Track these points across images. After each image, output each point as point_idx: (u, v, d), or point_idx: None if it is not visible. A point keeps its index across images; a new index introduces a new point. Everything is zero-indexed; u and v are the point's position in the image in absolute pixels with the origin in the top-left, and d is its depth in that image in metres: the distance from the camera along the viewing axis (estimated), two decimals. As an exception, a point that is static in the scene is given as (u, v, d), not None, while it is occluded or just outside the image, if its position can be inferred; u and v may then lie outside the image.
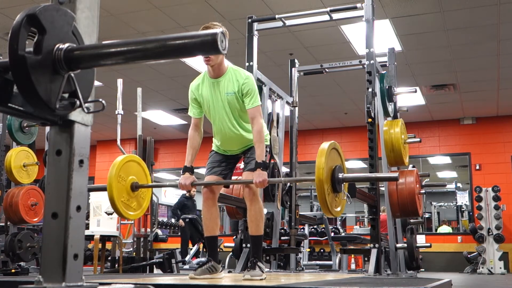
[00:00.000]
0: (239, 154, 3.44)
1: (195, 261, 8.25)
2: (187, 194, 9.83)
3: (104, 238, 5.47)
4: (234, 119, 3.30)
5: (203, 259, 7.40)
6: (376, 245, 4.33)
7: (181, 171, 3.35)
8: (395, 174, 2.96)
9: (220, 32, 1.16)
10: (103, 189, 3.33)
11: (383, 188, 4.95)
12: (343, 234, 9.63)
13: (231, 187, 4.86)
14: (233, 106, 3.27)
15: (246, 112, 3.28)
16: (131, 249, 6.34)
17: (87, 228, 5.46)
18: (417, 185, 4.85)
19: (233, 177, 3.64)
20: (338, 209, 2.82)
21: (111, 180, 3.16)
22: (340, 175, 2.75)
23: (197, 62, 7.81)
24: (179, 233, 12.71)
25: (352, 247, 7.91)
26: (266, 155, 3.32)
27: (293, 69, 6.01)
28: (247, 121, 3.32)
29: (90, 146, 1.36)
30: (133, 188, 3.31)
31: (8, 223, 6.07)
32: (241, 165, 3.53)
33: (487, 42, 7.24)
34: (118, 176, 3.20)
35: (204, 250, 8.53)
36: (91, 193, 5.38)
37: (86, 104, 1.31)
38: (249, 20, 5.09)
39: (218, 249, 3.52)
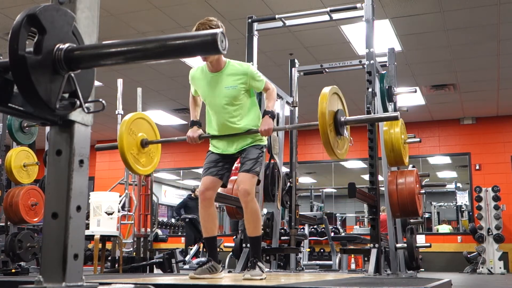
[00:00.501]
0: (236, 154, 3.43)
1: (195, 261, 8.26)
2: (192, 195, 9.87)
3: (104, 238, 5.46)
4: (232, 112, 3.31)
5: (203, 259, 7.41)
6: (376, 245, 4.33)
7: (189, 125, 3.43)
8: (395, 114, 3.06)
9: (220, 32, 1.16)
10: (114, 147, 3.36)
11: (383, 188, 4.95)
12: (343, 234, 9.64)
13: (230, 187, 4.85)
14: (232, 99, 3.29)
15: (244, 106, 3.32)
16: (131, 249, 6.34)
17: (87, 228, 5.45)
18: (417, 185, 4.85)
19: (232, 178, 3.65)
20: (342, 150, 2.94)
21: (122, 133, 3.21)
22: (342, 118, 2.87)
23: (197, 62, 7.81)
24: (179, 233, 12.78)
25: (352, 247, 7.92)
26: (261, 155, 3.34)
27: (293, 69, 6.02)
28: (244, 113, 3.34)
29: (90, 146, 1.36)
30: (143, 144, 3.36)
31: (8, 223, 6.07)
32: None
33: (487, 42, 7.24)
34: (129, 129, 3.24)
35: (204, 250, 8.53)
36: (91, 193, 5.39)
37: (86, 104, 1.32)
38: (249, 20, 5.09)
39: (218, 249, 3.52)
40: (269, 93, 3.41)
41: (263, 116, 3.30)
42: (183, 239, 11.72)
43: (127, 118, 3.30)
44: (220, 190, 3.66)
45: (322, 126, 2.73)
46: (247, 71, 3.30)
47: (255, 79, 3.33)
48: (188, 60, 7.82)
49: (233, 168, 3.53)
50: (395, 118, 3.06)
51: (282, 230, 6.71)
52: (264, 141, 3.44)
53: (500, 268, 9.17)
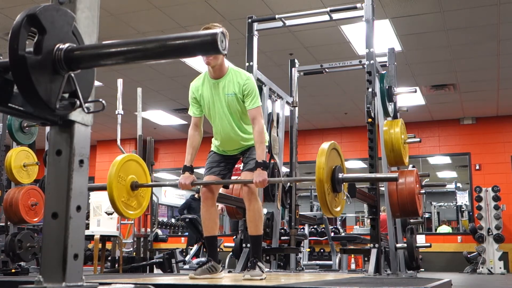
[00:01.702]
0: (238, 155, 3.45)
1: (195, 261, 8.25)
2: (195, 196, 9.89)
3: (104, 238, 5.47)
4: (233, 120, 3.31)
5: (203, 259, 7.40)
6: (376, 245, 4.33)
7: (181, 170, 3.35)
8: (395, 175, 2.97)
9: (220, 32, 1.16)
10: (103, 188, 3.33)
11: (383, 188, 4.95)
12: (343, 234, 9.63)
13: (231, 187, 4.86)
14: (233, 107, 3.27)
15: (246, 113, 3.29)
16: (131, 249, 6.34)
17: (87, 228, 5.46)
18: (417, 185, 4.85)
19: (233, 177, 3.65)
20: (338, 209, 2.83)
21: (111, 180, 3.16)
22: (340, 175, 2.76)
23: (197, 62, 7.81)
24: (179, 233, 12.78)
25: (352, 247, 7.91)
26: (266, 155, 3.33)
27: (293, 69, 6.01)
28: (246, 122, 3.33)
29: (90, 146, 1.36)
30: (133, 187, 3.32)
31: (8, 223, 6.07)
32: (241, 166, 3.54)
33: (487, 42, 7.24)
34: (118, 176, 3.20)
35: (204, 250, 8.53)
36: (91, 193, 5.38)
37: (86, 104, 1.32)
38: (249, 20, 5.09)
39: (218, 249, 3.52)
40: (256, 131, 3.21)
41: (255, 169, 3.17)
42: (183, 239, 11.73)
43: (116, 162, 3.24)
44: (220, 190, 3.66)
45: (319, 184, 2.64)
46: (244, 81, 3.25)
47: (249, 95, 3.23)
48: (188, 60, 7.82)
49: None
50: (395, 179, 2.99)
51: (282, 230, 6.71)
52: (267, 141, 3.44)
53: (500, 268, 9.17)
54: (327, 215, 2.79)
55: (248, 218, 3.36)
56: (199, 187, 3.57)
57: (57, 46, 1.23)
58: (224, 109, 3.28)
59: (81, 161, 1.31)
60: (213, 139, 3.49)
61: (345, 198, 2.86)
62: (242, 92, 3.23)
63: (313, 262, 8.30)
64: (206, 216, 3.36)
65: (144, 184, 3.38)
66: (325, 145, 2.75)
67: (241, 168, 3.47)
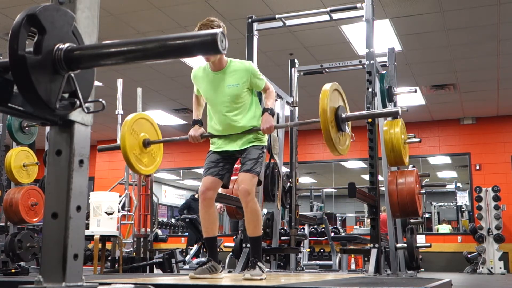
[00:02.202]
0: (236, 155, 3.44)
1: (195, 261, 8.26)
2: (196, 196, 9.91)
3: (104, 238, 5.46)
4: (235, 110, 3.32)
5: (203, 259, 7.41)
6: (376, 245, 4.33)
7: (191, 124, 3.46)
8: (396, 109, 3.10)
9: (220, 32, 1.16)
10: (116, 147, 3.36)
11: (383, 188, 4.95)
12: (343, 234, 9.63)
13: (230, 187, 4.85)
14: (234, 97, 3.30)
15: (246, 103, 3.34)
16: (131, 249, 6.33)
17: (87, 228, 5.45)
18: (417, 185, 4.85)
19: (232, 178, 3.64)
20: (344, 146, 2.96)
21: (124, 133, 3.22)
22: (344, 114, 2.88)
23: (197, 62, 7.80)
24: (179, 233, 12.78)
25: (352, 247, 7.91)
26: (261, 155, 3.34)
27: (293, 69, 6.02)
28: (246, 112, 3.35)
29: (90, 146, 1.36)
30: (145, 144, 3.36)
31: (8, 223, 6.07)
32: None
33: (487, 42, 7.24)
34: (131, 129, 3.25)
35: (204, 250, 8.54)
36: (91, 193, 5.38)
37: (86, 104, 1.32)
38: (249, 20, 5.09)
39: (218, 249, 3.52)
40: (268, 93, 3.44)
41: (262, 114, 3.32)
42: (183, 239, 11.73)
43: (129, 118, 3.31)
44: (220, 190, 3.66)
45: (323, 122, 2.74)
46: (248, 68, 3.33)
47: (256, 77, 3.35)
48: (188, 60, 7.82)
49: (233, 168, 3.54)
50: (396, 113, 3.07)
51: (282, 230, 6.71)
52: (265, 141, 3.45)
53: (500, 268, 9.17)
54: (334, 153, 2.88)
55: (246, 220, 3.36)
56: (199, 187, 3.57)
57: (57, 46, 1.23)
58: (224, 100, 3.31)
59: (81, 161, 1.31)
60: (209, 127, 3.48)
61: (348, 131, 2.98)
62: (250, 78, 3.32)
63: (313, 262, 8.31)
64: (205, 217, 3.35)
65: (155, 141, 3.42)
66: (327, 86, 2.85)
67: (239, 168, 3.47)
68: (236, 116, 3.32)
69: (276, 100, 5.50)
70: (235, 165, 3.53)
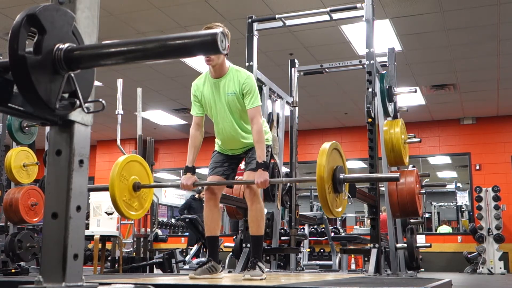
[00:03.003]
0: (241, 154, 3.44)
1: (195, 261, 8.25)
2: (196, 196, 9.91)
3: (104, 238, 5.47)
4: (235, 119, 3.31)
5: (203, 259, 7.40)
6: (376, 245, 4.33)
7: (183, 171, 3.35)
8: (396, 175, 2.97)
9: (220, 32, 1.16)
10: (105, 189, 3.32)
11: (383, 188, 4.95)
12: (343, 234, 9.62)
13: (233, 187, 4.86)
14: (234, 106, 3.27)
15: (246, 112, 3.28)
16: (131, 249, 6.34)
17: (87, 228, 5.46)
18: (417, 185, 4.85)
19: (236, 177, 3.64)
20: (339, 209, 2.84)
21: (113, 179, 3.15)
22: (341, 176, 2.76)
23: (197, 62, 7.81)
24: (179, 233, 12.78)
25: (352, 247, 7.91)
26: (267, 155, 3.32)
27: (293, 69, 6.01)
28: (247, 121, 3.32)
29: (90, 146, 1.36)
30: (135, 188, 3.30)
31: (8, 223, 6.06)
32: (242, 165, 3.53)
33: (487, 42, 7.24)
34: (121, 175, 3.19)
35: (204, 250, 8.54)
36: (91, 193, 5.38)
37: (86, 104, 1.31)
38: (249, 20, 5.09)
39: (218, 249, 3.52)
40: (255, 131, 3.19)
41: (256, 169, 3.16)
42: (183, 239, 11.73)
43: (119, 162, 3.23)
44: (224, 190, 3.66)
45: (320, 184, 2.63)
46: (244, 80, 3.24)
47: (249, 93, 3.21)
48: (188, 60, 7.82)
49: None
50: (396, 179, 2.99)
51: (282, 230, 6.71)
52: (270, 141, 3.44)
53: (500, 268, 9.17)
54: (328, 215, 2.79)
55: (250, 218, 3.36)
56: (200, 187, 3.57)
57: (57, 46, 1.23)
58: (225, 108, 3.28)
59: (81, 161, 1.31)
60: (216, 139, 3.49)
61: (346, 198, 2.86)
62: (241, 91, 3.22)
63: (313, 262, 8.30)
64: (208, 216, 3.36)
65: (146, 185, 3.37)
66: (326, 145, 2.74)
67: (243, 168, 3.47)
68: (237, 124, 3.30)
69: (276, 100, 5.53)
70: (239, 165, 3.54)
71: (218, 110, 3.30)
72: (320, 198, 2.67)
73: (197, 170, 3.39)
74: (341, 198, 2.85)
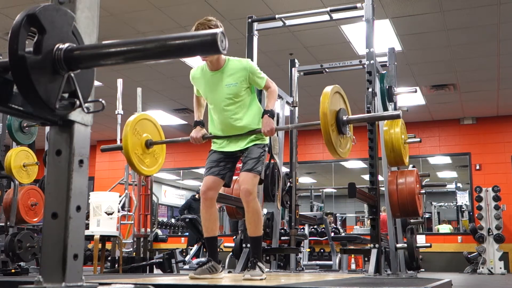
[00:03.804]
0: (238, 153, 3.43)
1: (195, 261, 8.26)
2: (196, 196, 9.92)
3: (104, 238, 5.46)
4: (234, 109, 3.31)
5: (203, 259, 7.40)
6: (376, 245, 4.33)
7: (192, 125, 3.44)
8: (398, 112, 3.05)
9: (220, 32, 1.16)
10: (119, 148, 3.35)
11: (383, 188, 4.95)
12: (343, 234, 9.63)
13: (231, 186, 4.85)
14: (233, 96, 3.29)
15: (245, 102, 3.32)
16: (131, 249, 6.33)
17: (87, 228, 5.45)
18: (417, 185, 4.85)
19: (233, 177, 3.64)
20: (344, 150, 2.94)
21: (127, 133, 3.21)
22: (345, 117, 2.87)
23: (197, 62, 7.80)
24: (179, 233, 12.79)
25: (352, 247, 7.91)
26: (266, 155, 3.33)
27: (293, 69, 6.01)
28: (246, 111, 3.33)
29: (90, 146, 1.36)
30: (147, 144, 3.36)
31: (8, 223, 6.06)
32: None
33: (487, 42, 7.24)
34: (134, 129, 3.24)
35: (204, 250, 8.54)
36: (91, 193, 5.38)
37: (86, 104, 1.31)
38: (249, 20, 5.09)
39: (218, 249, 3.52)
40: (270, 92, 3.39)
41: (262, 116, 3.28)
42: (183, 239, 11.73)
43: (132, 118, 3.30)
44: (221, 190, 3.65)
45: (324, 125, 2.72)
46: (246, 66, 3.30)
47: (256, 75, 3.32)
48: (188, 60, 7.82)
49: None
50: (397, 117, 3.05)
51: (282, 230, 6.71)
52: (266, 140, 3.44)
53: (501, 268, 9.17)
54: (333, 155, 2.86)
55: (247, 220, 3.35)
56: (200, 187, 3.57)
57: (57, 46, 1.23)
58: (223, 100, 3.30)
59: (81, 161, 1.31)
60: (210, 128, 3.47)
61: (349, 135, 2.96)
62: (249, 76, 3.28)
63: (313, 262, 8.30)
64: (206, 216, 3.35)
65: (158, 142, 3.42)
66: (328, 88, 2.85)
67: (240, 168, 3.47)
68: (236, 115, 3.31)
69: (276, 99, 5.53)
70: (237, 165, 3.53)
71: (217, 100, 3.32)
72: (325, 139, 2.75)
73: (195, 171, 3.40)
74: (345, 139, 2.95)
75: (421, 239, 9.83)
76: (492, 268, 9.19)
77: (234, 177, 3.73)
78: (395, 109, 5.33)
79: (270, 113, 3.26)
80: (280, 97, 5.57)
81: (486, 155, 10.69)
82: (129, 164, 3.28)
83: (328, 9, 4.92)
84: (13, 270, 5.61)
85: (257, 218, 3.32)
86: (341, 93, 2.95)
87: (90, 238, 5.26)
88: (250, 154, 3.30)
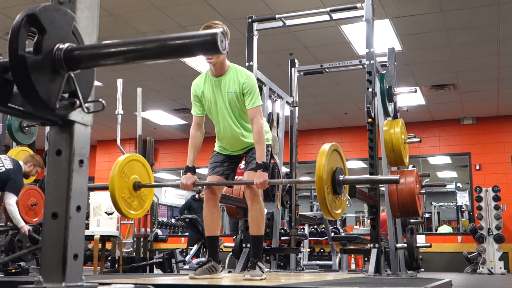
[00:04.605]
0: (241, 154, 3.44)
1: (195, 261, 8.25)
2: (196, 196, 9.93)
3: (104, 238, 5.46)
4: (235, 119, 3.30)
5: (203, 259, 7.40)
6: (376, 245, 4.33)
7: (183, 171, 3.35)
8: (396, 177, 2.97)
9: (220, 32, 1.16)
10: (105, 188, 3.31)
11: (383, 188, 4.95)
12: (343, 234, 9.62)
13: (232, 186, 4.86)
14: (234, 105, 3.26)
15: (247, 112, 3.27)
16: (131, 249, 6.34)
17: (87, 228, 5.45)
18: (417, 185, 4.85)
19: (236, 177, 3.64)
20: (339, 211, 2.83)
21: (114, 176, 3.13)
22: (341, 177, 2.76)
23: (197, 62, 7.81)
24: (179, 233, 12.79)
25: (352, 247, 7.91)
26: (267, 155, 3.32)
27: (293, 69, 6.01)
28: (248, 120, 3.31)
29: (90, 146, 1.36)
30: (135, 187, 3.30)
31: (8, 223, 6.06)
32: (242, 165, 3.53)
33: (487, 42, 7.24)
34: (121, 172, 3.18)
35: (204, 250, 8.54)
36: (91, 193, 5.39)
37: (86, 104, 1.31)
38: (249, 20, 5.09)
39: (218, 249, 3.52)
40: (255, 131, 3.18)
41: (255, 170, 3.15)
42: (183, 239, 11.73)
43: (121, 159, 3.23)
44: (223, 190, 3.66)
45: (319, 186, 2.62)
46: (243, 80, 3.22)
47: (248, 94, 3.20)
48: (188, 60, 7.82)
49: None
50: (396, 182, 2.99)
51: (282, 230, 6.71)
52: (270, 140, 3.44)
53: (501, 268, 9.17)
54: (327, 217, 2.79)
55: (250, 218, 3.36)
56: (200, 187, 3.57)
57: (57, 46, 1.23)
58: (225, 107, 3.27)
59: (81, 161, 1.31)
60: (216, 139, 3.48)
61: (345, 199, 2.85)
62: (241, 90, 3.21)
63: (313, 262, 8.30)
64: (208, 216, 3.35)
65: (146, 184, 3.36)
66: (326, 146, 2.73)
67: (243, 167, 3.47)
68: (237, 123, 3.29)
69: (276, 100, 5.53)
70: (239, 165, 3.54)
71: (219, 109, 3.29)
72: (319, 199, 2.66)
73: (197, 170, 3.39)
74: (340, 199, 2.85)
75: (421, 239, 9.83)
76: (492, 268, 9.19)
77: (236, 177, 3.73)
78: (395, 109, 5.33)
79: (264, 168, 3.13)
80: (280, 97, 5.57)
81: (486, 155, 10.69)
82: (115, 208, 3.18)
83: (328, 9, 4.92)
84: (13, 270, 5.61)
85: (260, 217, 3.32)
86: (339, 151, 2.85)
87: (90, 238, 5.27)
88: (254, 154, 3.29)
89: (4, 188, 5.13)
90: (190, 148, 3.36)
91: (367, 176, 4.33)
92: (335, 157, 2.81)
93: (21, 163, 5.29)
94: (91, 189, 3.48)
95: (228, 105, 3.26)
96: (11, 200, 5.09)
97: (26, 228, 5.23)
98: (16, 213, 5.16)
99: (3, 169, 5.09)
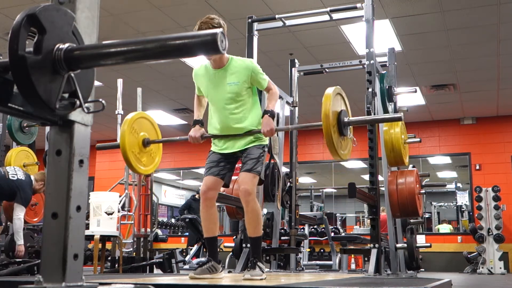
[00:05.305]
0: (237, 154, 3.42)
1: (195, 261, 8.26)
2: (196, 196, 9.93)
3: (104, 238, 5.46)
4: (235, 109, 3.31)
5: (203, 259, 7.41)
6: (376, 245, 4.33)
7: (192, 124, 3.42)
8: (399, 114, 3.09)
9: (220, 32, 1.16)
10: (115, 146, 3.37)
11: (383, 188, 4.95)
12: (343, 234, 9.63)
13: (231, 187, 4.85)
14: (234, 95, 3.29)
15: (247, 101, 3.32)
16: (131, 249, 6.33)
17: (87, 228, 5.45)
18: (417, 185, 4.85)
19: (233, 177, 3.63)
20: (345, 151, 2.96)
21: (124, 131, 3.22)
22: (346, 119, 2.89)
23: (197, 62, 7.81)
24: (179, 233, 12.80)
25: (352, 247, 7.91)
26: (265, 155, 3.33)
27: (293, 69, 6.02)
28: (246, 112, 3.33)
29: (90, 146, 1.36)
30: (145, 143, 3.36)
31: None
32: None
33: (487, 42, 7.24)
34: (131, 128, 3.24)
35: (204, 250, 8.54)
36: (91, 193, 5.38)
37: (86, 104, 1.31)
38: (249, 20, 5.09)
39: (218, 249, 3.52)
40: (271, 93, 3.38)
41: (262, 116, 3.27)
42: (183, 239, 11.74)
43: (129, 117, 3.31)
44: (220, 190, 3.65)
45: (325, 127, 2.73)
46: (249, 66, 3.31)
47: (258, 75, 3.32)
48: (188, 60, 7.82)
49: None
50: (398, 119, 3.06)
51: (282, 230, 6.71)
52: (266, 140, 3.44)
53: (500, 268, 9.17)
54: (335, 158, 2.88)
55: (247, 220, 3.35)
56: (200, 187, 3.57)
57: (57, 46, 1.23)
58: (225, 98, 3.30)
59: (81, 161, 1.31)
60: (209, 128, 3.47)
61: (350, 137, 2.98)
62: (251, 76, 3.29)
63: (313, 262, 8.31)
64: (205, 217, 3.35)
65: (155, 140, 3.43)
66: (330, 90, 2.86)
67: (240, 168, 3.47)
68: (236, 115, 3.31)
69: (277, 101, 5.53)
70: (236, 165, 3.53)
71: (218, 99, 3.32)
72: (327, 140, 2.77)
73: (195, 171, 3.39)
74: (346, 140, 2.96)
75: (421, 239, 9.83)
76: (492, 268, 9.19)
77: (234, 177, 3.73)
78: (395, 109, 5.33)
79: (271, 114, 3.24)
80: (280, 97, 5.57)
81: (486, 155, 10.69)
82: (126, 162, 3.28)
83: (328, 9, 4.93)
84: (13, 270, 5.60)
85: (256, 218, 3.32)
86: (342, 95, 2.97)
87: (90, 238, 5.26)
88: (249, 155, 3.30)
89: (12, 197, 5.17)
90: (196, 106, 3.52)
91: (371, 116, 4.48)
92: (339, 100, 2.95)
93: (32, 178, 5.32)
94: (101, 148, 3.55)
95: (229, 96, 3.29)
96: (20, 214, 5.18)
97: (22, 249, 5.29)
98: (21, 229, 5.27)
99: (15, 178, 5.13)
